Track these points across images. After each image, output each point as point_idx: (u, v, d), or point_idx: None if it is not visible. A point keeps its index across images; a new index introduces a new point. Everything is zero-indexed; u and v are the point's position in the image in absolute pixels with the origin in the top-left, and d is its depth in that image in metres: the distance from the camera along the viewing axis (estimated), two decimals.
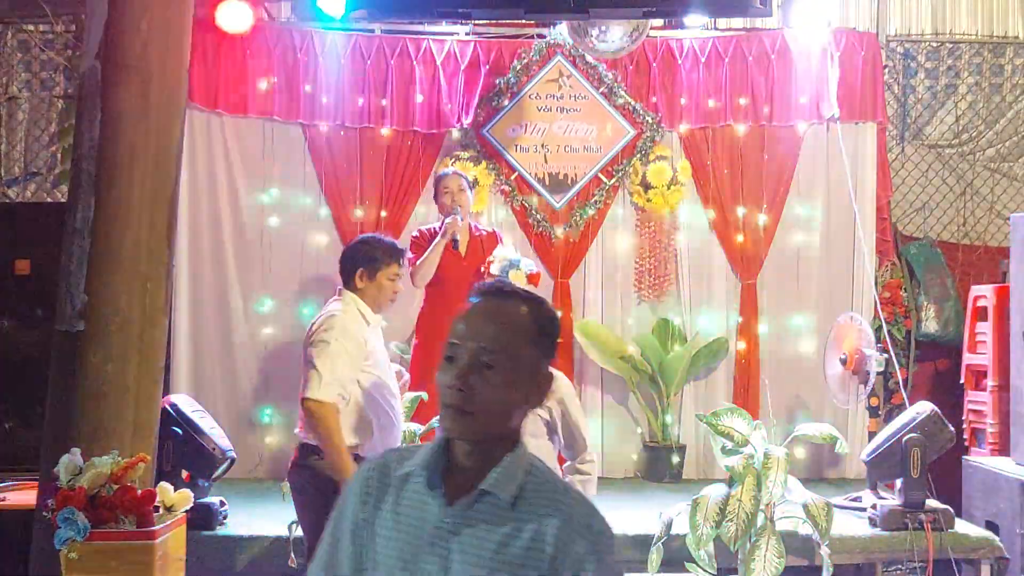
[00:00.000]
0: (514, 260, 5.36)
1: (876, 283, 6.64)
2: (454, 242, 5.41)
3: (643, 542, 4.63)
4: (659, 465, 6.52)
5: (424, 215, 6.64)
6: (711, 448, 4.80)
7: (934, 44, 7.12)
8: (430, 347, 5.45)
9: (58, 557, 3.50)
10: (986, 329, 6.06)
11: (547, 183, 6.72)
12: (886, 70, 6.84)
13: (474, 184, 6.55)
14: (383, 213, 6.60)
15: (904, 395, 6.33)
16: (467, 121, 6.59)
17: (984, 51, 7.13)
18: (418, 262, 5.42)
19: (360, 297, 3.98)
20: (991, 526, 5.23)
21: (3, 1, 6.63)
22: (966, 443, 6.18)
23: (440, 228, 5.48)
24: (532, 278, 5.39)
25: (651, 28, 6.29)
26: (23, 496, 4.61)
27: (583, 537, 1.82)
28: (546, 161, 6.72)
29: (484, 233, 5.68)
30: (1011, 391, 5.61)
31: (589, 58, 6.59)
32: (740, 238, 6.69)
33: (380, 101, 6.59)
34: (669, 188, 6.63)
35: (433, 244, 5.40)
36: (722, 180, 6.71)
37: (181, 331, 6.35)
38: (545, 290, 6.68)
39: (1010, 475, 5.25)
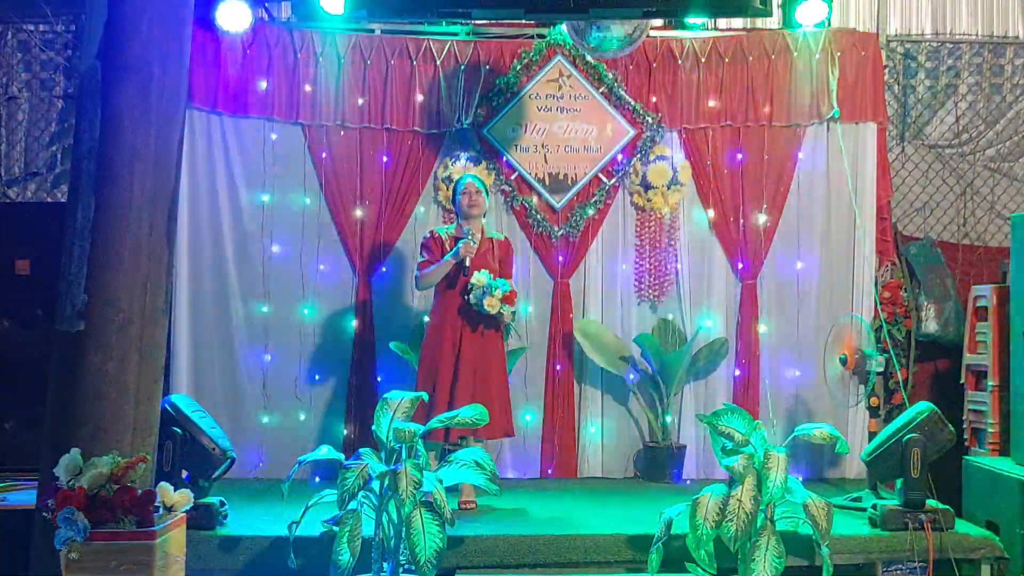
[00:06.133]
0: (488, 287, 5.39)
1: (876, 283, 6.64)
2: (463, 267, 5.46)
3: (643, 542, 4.63)
4: (659, 465, 6.52)
5: (424, 215, 6.66)
6: (711, 448, 4.79)
7: (934, 44, 7.13)
8: (433, 346, 5.53)
9: (58, 557, 3.51)
10: (986, 329, 6.06)
11: (547, 183, 6.72)
12: (886, 70, 6.85)
13: None
14: (383, 213, 6.60)
15: (904, 395, 6.33)
16: (467, 121, 6.59)
17: (984, 51, 7.13)
18: (426, 270, 5.49)
19: None
20: (991, 526, 5.22)
21: (3, 1, 6.63)
22: (966, 443, 6.18)
23: (455, 232, 5.56)
24: (507, 298, 5.44)
25: (651, 28, 6.29)
26: (23, 496, 4.62)
27: None
28: (546, 161, 6.72)
29: (496, 240, 5.70)
30: (1011, 391, 5.61)
31: (589, 58, 6.59)
32: (740, 238, 6.69)
33: (380, 101, 6.60)
34: (669, 188, 6.63)
35: (443, 260, 5.48)
36: (722, 180, 6.71)
37: (181, 331, 6.36)
38: (545, 290, 6.70)
39: (1010, 475, 5.25)
